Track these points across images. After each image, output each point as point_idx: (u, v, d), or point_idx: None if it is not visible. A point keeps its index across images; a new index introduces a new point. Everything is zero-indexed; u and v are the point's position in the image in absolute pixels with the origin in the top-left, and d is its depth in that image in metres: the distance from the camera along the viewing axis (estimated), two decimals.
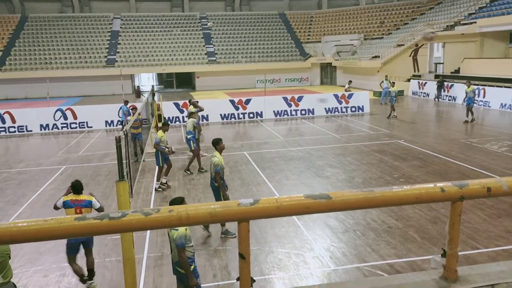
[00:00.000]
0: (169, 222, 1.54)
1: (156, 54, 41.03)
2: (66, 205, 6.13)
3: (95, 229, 1.50)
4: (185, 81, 44.19)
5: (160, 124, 15.95)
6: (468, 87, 18.66)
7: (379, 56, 34.82)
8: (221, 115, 21.70)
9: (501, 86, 23.03)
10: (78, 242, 6.12)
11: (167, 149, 10.82)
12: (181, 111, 21.40)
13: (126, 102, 17.21)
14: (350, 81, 27.25)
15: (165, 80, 47.29)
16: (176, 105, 21.62)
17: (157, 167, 10.99)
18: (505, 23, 27.23)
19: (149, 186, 11.07)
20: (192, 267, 4.99)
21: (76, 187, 6.20)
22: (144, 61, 40.12)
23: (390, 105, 20.81)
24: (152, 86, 19.31)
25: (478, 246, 6.93)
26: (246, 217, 1.58)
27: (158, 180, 10.84)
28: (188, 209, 1.56)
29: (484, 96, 23.10)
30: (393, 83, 23.61)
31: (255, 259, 6.83)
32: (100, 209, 6.20)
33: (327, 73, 43.88)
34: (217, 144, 7.76)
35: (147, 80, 48.50)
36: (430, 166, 11.84)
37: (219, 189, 7.70)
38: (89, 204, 6.18)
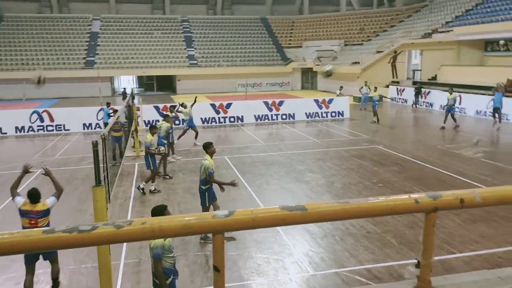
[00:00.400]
0: (142, 235, 1.51)
1: (136, 57, 40.61)
2: (20, 213, 5.83)
3: (64, 243, 1.45)
4: (166, 84, 43.86)
5: (140, 128, 15.76)
6: (450, 94, 19.03)
7: (359, 62, 35.33)
8: (201, 118, 21.58)
9: (476, 93, 23.64)
10: None
11: (158, 151, 10.88)
12: (162, 114, 21.19)
13: (108, 104, 16.98)
14: (341, 87, 27.30)
15: (145, 83, 46.82)
16: (156, 108, 21.40)
17: (149, 170, 10.87)
18: (480, 32, 28.07)
19: (128, 191, 10.91)
20: (170, 280, 4.71)
21: (33, 196, 5.81)
22: (124, 63, 39.64)
23: (373, 110, 21.06)
24: (132, 89, 19.08)
25: (453, 250, 7.06)
26: (221, 229, 1.56)
27: (147, 182, 10.70)
28: (161, 221, 1.53)
29: (460, 103, 23.64)
30: (376, 88, 23.93)
31: (234, 264, 6.80)
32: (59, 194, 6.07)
33: (308, 78, 44.26)
34: (207, 147, 7.82)
35: (127, 83, 47.91)
36: (408, 172, 12.04)
37: (205, 193, 7.74)
38: (46, 214, 5.86)
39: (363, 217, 1.79)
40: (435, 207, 1.71)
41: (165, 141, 12.26)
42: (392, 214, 1.75)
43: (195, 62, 41.34)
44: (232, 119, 22.04)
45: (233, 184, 7.71)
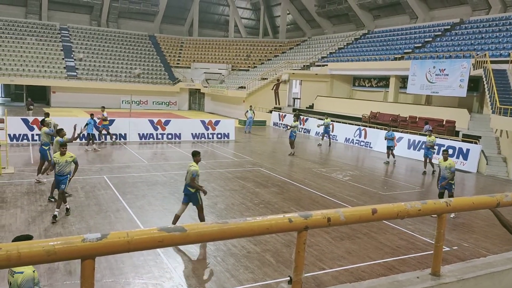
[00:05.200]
0: None
1: (4, 63, 36.28)
2: None
3: None
4: (38, 95, 39.86)
5: (3, 142, 14.12)
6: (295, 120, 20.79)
7: (245, 87, 36.76)
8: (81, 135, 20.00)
9: (346, 123, 26.35)
10: None
11: None
12: (31, 129, 19.16)
13: (91, 116, 15.58)
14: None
15: (13, 93, 41.97)
16: (25, 121, 19.26)
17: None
18: (349, 68, 31.66)
19: None
20: None
21: None
22: None
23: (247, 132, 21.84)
24: None
25: (324, 266, 7.61)
26: (91, 254, 1.45)
27: None
28: (19, 247, 1.36)
29: (332, 131, 26.08)
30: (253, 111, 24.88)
31: None
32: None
33: (196, 99, 44.49)
34: (195, 156, 8.89)
35: None
36: (287, 193, 12.75)
37: (196, 194, 8.61)
38: None
39: (242, 237, 1.84)
40: (306, 226, 1.84)
41: (47, 147, 12.16)
42: (268, 233, 1.83)
43: (74, 74, 38.51)
44: (114, 137, 20.90)
45: (204, 191, 8.78)
